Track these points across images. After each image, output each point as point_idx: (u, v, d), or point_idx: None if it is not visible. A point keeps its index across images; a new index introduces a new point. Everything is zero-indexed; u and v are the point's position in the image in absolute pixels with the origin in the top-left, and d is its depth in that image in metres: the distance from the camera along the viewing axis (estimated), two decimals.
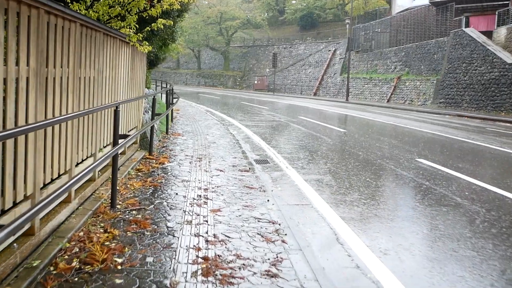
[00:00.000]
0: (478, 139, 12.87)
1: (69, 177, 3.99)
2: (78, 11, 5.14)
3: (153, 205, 4.76)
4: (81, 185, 4.69)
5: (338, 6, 58.60)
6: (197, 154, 8.23)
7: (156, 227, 4.07)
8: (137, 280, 2.99)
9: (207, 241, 3.79)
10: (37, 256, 3.09)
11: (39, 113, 3.32)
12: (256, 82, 53.59)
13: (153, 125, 7.45)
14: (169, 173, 6.40)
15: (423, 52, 33.94)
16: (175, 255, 3.47)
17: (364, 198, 5.96)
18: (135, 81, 7.52)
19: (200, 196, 5.25)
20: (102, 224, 3.98)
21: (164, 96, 15.72)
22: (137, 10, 5.92)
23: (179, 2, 6.65)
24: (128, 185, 5.45)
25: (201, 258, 3.40)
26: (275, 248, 3.82)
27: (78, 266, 3.10)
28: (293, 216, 5.05)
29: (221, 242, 3.79)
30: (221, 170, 6.81)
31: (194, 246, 3.65)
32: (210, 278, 3.06)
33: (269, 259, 3.54)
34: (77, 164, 4.46)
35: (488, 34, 28.76)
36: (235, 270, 3.24)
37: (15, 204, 3.07)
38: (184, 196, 5.20)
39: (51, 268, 3.06)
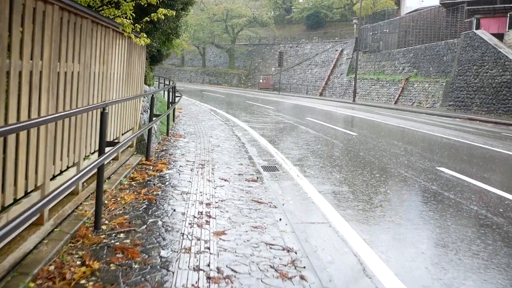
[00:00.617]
0: (497, 145, 12.09)
1: (41, 194, 3.27)
2: None
3: (145, 226, 4.03)
4: (60, 200, 3.96)
5: (345, 6, 57.71)
6: (199, 159, 7.49)
7: (147, 256, 3.34)
8: None
9: (208, 278, 3.06)
10: None
11: None
12: (261, 81, 52.82)
13: (151, 128, 6.72)
14: (167, 183, 5.67)
15: (432, 54, 33.13)
16: None
17: (389, 216, 5.22)
18: (133, 77, 6.79)
19: (201, 213, 4.52)
20: (80, 253, 3.25)
21: (166, 94, 15.02)
22: None
23: None
24: (119, 198, 4.72)
25: None
26: None
27: None
28: (309, 239, 4.32)
29: (226, 280, 3.05)
30: (225, 180, 6.07)
31: (192, 286, 2.92)
32: None
33: None
34: (54, 177, 3.73)
35: (499, 36, 27.96)
36: None
37: None
38: (183, 213, 4.47)
39: None
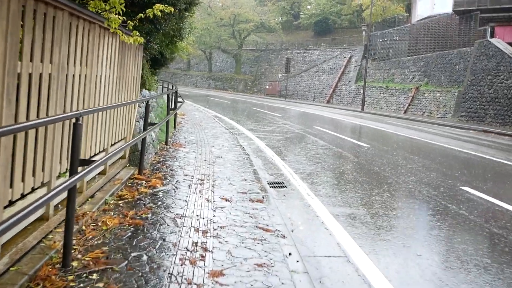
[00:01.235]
0: None
1: None
2: None
3: (126, 262, 3.30)
4: (24, 229, 3.25)
5: (354, 13, 57.11)
6: (199, 173, 6.77)
7: None
8: None
9: None
10: None
11: None
12: (267, 87, 52.15)
13: (145, 138, 6.01)
14: (159, 203, 4.94)
15: (444, 63, 32.34)
16: None
17: (416, 248, 4.46)
18: (126, 81, 6.10)
19: (196, 244, 3.79)
20: None
21: (170, 99, 14.41)
22: None
23: None
24: (100, 223, 4.00)
25: None
26: None
27: None
28: (325, 280, 3.58)
29: None
30: (227, 200, 5.34)
31: None
32: None
33: None
34: (13, 203, 3.02)
35: None
36: None
37: None
38: (174, 245, 3.74)
39: None
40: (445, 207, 6.21)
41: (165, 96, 11.83)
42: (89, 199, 4.52)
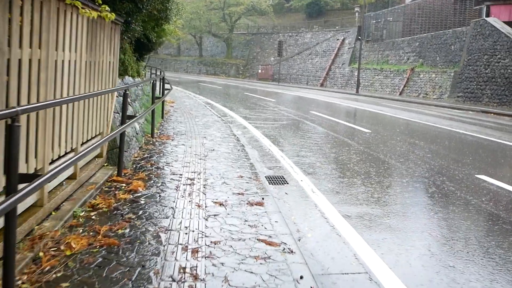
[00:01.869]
0: None
1: None
2: None
3: None
4: None
5: None
6: (188, 171, 5.97)
7: None
8: None
9: None
10: None
11: None
12: (260, 71, 51.08)
13: (124, 133, 5.19)
14: (141, 212, 4.15)
15: (439, 43, 31.55)
16: None
17: (446, 258, 3.73)
18: (100, 67, 5.25)
19: (184, 270, 3.02)
20: None
21: (155, 86, 13.52)
22: None
23: None
24: (63, 246, 3.20)
25: None
26: None
27: None
28: None
29: None
30: (221, 204, 4.56)
31: None
32: None
33: None
34: None
35: (511, 24, 26.39)
36: None
37: None
38: (157, 273, 2.97)
39: None
40: (465, 200, 5.49)
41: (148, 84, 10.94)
42: (53, 213, 3.73)
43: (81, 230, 3.58)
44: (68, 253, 3.09)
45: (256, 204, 4.64)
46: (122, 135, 5.19)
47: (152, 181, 5.28)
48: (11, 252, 2.25)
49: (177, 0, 12.84)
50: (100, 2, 4.17)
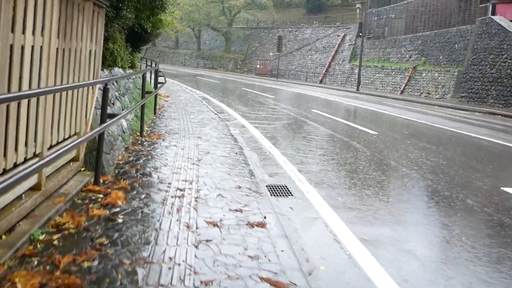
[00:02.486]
0: None
1: None
2: None
3: None
4: None
5: None
6: (179, 178, 5.20)
7: None
8: None
9: None
10: None
11: None
12: (258, 66, 50.22)
13: (103, 134, 4.40)
14: (116, 236, 3.37)
15: (443, 41, 30.80)
16: None
17: None
18: (77, 56, 4.45)
19: None
20: None
21: (146, 79, 12.71)
22: None
23: None
24: None
25: None
26: None
27: None
28: None
29: None
30: (215, 225, 3.79)
31: None
32: None
33: None
34: None
35: None
36: None
37: None
38: None
39: None
40: (500, 222, 4.75)
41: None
42: (3, 237, 2.95)
43: (36, 262, 2.80)
44: None
45: (257, 225, 3.88)
46: (101, 136, 4.40)
47: (135, 192, 4.50)
48: None
49: None
50: None
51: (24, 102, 3.32)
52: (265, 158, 7.18)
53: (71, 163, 4.60)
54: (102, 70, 7.00)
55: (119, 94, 7.67)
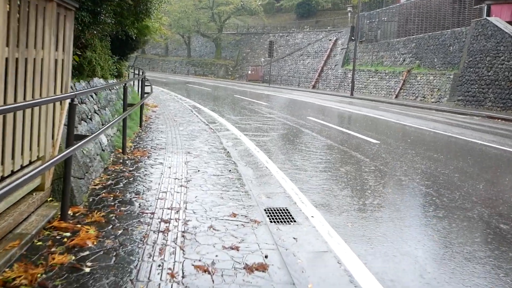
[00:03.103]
0: None
1: None
2: None
3: None
4: None
5: None
6: (164, 206, 4.47)
7: None
8: None
9: None
10: None
11: None
12: (249, 72, 49.58)
13: (70, 159, 3.67)
14: None
15: (437, 44, 30.39)
16: None
17: None
18: (36, 68, 3.74)
19: None
20: None
21: (127, 90, 12.03)
22: None
23: None
24: None
25: None
26: None
27: None
28: None
29: None
30: (206, 271, 3.08)
31: None
32: None
33: None
34: None
35: None
36: None
37: None
38: None
39: None
40: None
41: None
42: None
43: None
44: None
45: (257, 269, 3.17)
46: (68, 162, 3.68)
47: (110, 226, 3.77)
48: None
49: None
50: None
51: None
52: (262, 175, 6.48)
53: (34, 194, 3.87)
54: (78, 81, 6.29)
55: (99, 107, 6.94)
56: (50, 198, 4.12)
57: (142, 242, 3.51)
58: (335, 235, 4.22)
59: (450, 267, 3.67)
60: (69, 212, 3.93)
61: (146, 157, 6.66)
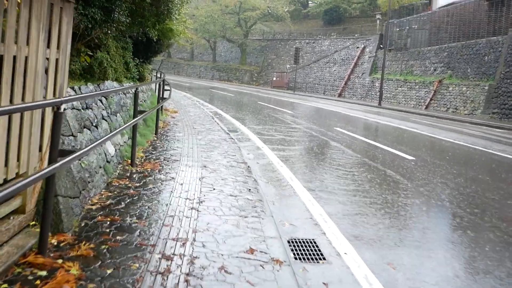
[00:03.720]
0: None
1: None
2: None
3: None
4: None
5: (366, 1, 53.62)
6: (168, 236, 3.75)
7: None
8: None
9: None
10: None
11: None
12: (274, 78, 48.88)
13: (52, 178, 3.00)
14: None
15: (471, 53, 29.05)
16: None
17: None
18: (19, 69, 3.08)
19: None
20: None
21: (138, 96, 11.45)
22: None
23: None
24: None
25: None
26: None
27: None
28: None
29: None
30: None
31: None
32: None
33: None
34: None
35: None
36: None
37: None
38: None
39: None
40: None
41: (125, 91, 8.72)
42: None
43: None
44: None
45: None
46: (50, 182, 3.00)
47: (98, 263, 3.06)
48: None
49: None
50: None
51: None
52: (286, 196, 5.71)
53: (11, 218, 3.21)
54: (86, 84, 5.67)
55: (108, 113, 6.31)
56: (33, 222, 3.46)
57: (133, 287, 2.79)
58: (375, 282, 3.41)
59: None
60: (53, 241, 3.26)
61: (156, 171, 5.97)
